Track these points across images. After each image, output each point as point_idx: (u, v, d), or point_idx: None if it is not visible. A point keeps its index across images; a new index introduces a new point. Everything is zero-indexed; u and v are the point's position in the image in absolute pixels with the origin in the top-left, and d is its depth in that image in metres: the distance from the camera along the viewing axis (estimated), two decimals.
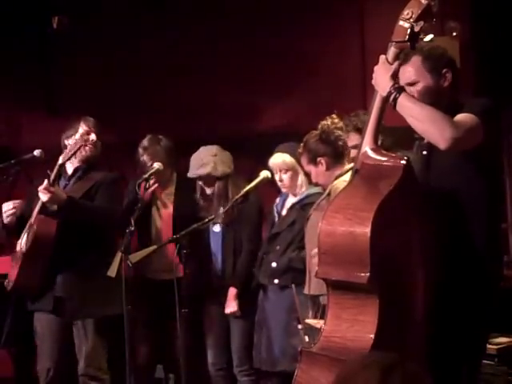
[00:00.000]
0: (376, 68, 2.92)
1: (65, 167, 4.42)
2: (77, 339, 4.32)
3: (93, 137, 4.36)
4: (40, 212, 4.16)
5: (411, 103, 2.82)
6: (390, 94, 2.83)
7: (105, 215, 4.26)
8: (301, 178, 4.34)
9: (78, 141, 4.07)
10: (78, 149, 4.07)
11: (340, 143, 3.91)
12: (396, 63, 2.89)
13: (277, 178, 4.34)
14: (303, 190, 4.34)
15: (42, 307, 4.32)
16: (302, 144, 4.06)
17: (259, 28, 5.87)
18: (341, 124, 3.88)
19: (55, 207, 4.15)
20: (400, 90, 2.83)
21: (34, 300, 4.34)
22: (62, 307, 4.29)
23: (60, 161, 4.08)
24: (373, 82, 2.94)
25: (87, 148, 4.34)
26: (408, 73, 2.97)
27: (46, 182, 4.09)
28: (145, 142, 4.69)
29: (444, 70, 2.97)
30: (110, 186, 4.33)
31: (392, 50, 2.89)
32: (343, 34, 5.75)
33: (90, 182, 4.32)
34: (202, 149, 4.63)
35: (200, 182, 4.63)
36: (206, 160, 4.56)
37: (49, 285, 4.26)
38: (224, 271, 4.58)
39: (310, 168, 4.03)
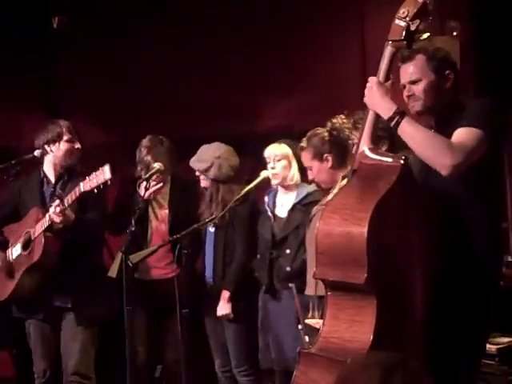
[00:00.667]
0: (371, 91, 2.90)
1: (45, 173, 4.40)
2: (65, 338, 4.32)
3: (78, 145, 4.33)
4: (46, 230, 4.12)
5: (413, 129, 2.83)
6: (392, 117, 2.85)
7: (101, 227, 4.33)
8: (293, 170, 4.34)
9: (106, 175, 3.87)
10: (104, 183, 3.90)
11: (349, 142, 3.88)
12: (389, 84, 2.91)
13: (269, 166, 4.33)
14: (294, 181, 4.34)
15: (33, 316, 4.33)
16: (305, 139, 4.04)
17: (259, 28, 5.86)
18: (349, 124, 3.87)
19: (60, 225, 4.13)
20: (403, 114, 2.85)
21: (25, 308, 4.34)
22: (55, 315, 4.29)
23: (82, 189, 3.97)
24: (366, 101, 2.93)
25: (73, 157, 4.32)
26: (411, 71, 2.98)
27: (57, 204, 4.03)
28: (147, 142, 4.66)
29: (447, 72, 2.97)
30: (99, 195, 4.22)
31: (388, 49, 2.89)
32: (343, 34, 5.74)
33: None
34: (214, 144, 4.62)
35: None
36: (205, 157, 4.55)
37: (41, 294, 4.25)
38: (215, 271, 4.55)
39: (313, 164, 4.01)
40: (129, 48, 5.95)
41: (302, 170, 4.34)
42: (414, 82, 2.98)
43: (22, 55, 5.94)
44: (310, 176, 4.11)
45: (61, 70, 6.15)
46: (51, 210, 4.05)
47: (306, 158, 4.06)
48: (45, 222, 4.11)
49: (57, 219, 4.04)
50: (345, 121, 3.92)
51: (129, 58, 5.98)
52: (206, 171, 4.52)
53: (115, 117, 6.06)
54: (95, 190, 3.94)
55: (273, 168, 4.32)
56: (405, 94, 3.01)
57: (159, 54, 5.95)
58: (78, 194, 4.01)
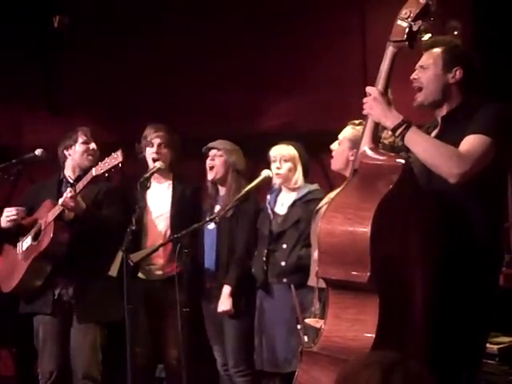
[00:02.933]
0: (375, 102, 2.89)
1: (65, 175, 4.47)
2: (75, 339, 4.33)
3: (93, 146, 4.43)
4: (56, 219, 4.16)
5: (419, 138, 2.86)
6: (398, 127, 2.86)
7: (114, 225, 4.28)
8: (298, 173, 4.36)
9: (118, 158, 3.97)
10: (115, 166, 3.98)
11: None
12: (389, 96, 2.92)
13: (275, 165, 4.34)
14: (298, 184, 4.35)
15: (41, 309, 4.34)
16: (361, 122, 3.95)
17: (259, 28, 5.86)
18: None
19: (72, 215, 4.17)
20: (409, 124, 2.86)
21: (33, 301, 4.36)
22: (64, 311, 4.30)
23: (93, 173, 4.05)
24: (368, 112, 2.92)
25: (89, 158, 4.40)
26: (425, 57, 3.02)
27: (70, 190, 4.11)
28: (158, 124, 4.72)
29: (455, 68, 2.98)
30: (117, 194, 4.38)
31: (390, 50, 2.90)
32: (344, 34, 5.74)
33: (93, 189, 4.34)
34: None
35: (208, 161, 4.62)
36: (229, 144, 4.62)
37: (49, 288, 4.29)
38: (218, 268, 4.55)
39: (344, 143, 3.94)
40: (129, 47, 5.96)
41: (306, 173, 4.37)
42: (423, 68, 3.01)
43: (23, 55, 5.94)
44: (333, 146, 4.00)
45: (61, 69, 6.15)
46: (63, 196, 4.12)
47: (344, 137, 3.96)
48: (56, 211, 4.17)
49: (68, 205, 4.10)
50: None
51: (129, 57, 5.98)
52: (228, 153, 4.56)
53: (115, 116, 6.06)
54: (106, 175, 4.02)
55: (278, 168, 4.33)
56: (412, 76, 3.04)
57: (159, 53, 5.95)
58: (89, 179, 4.08)
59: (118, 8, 5.91)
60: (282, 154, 4.35)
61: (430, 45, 3.02)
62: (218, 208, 4.53)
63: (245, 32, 5.88)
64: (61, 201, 4.14)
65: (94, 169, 4.07)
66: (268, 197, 4.48)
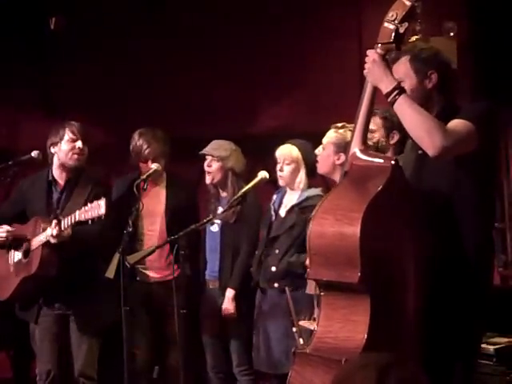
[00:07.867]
0: (374, 64, 2.88)
1: (53, 176, 4.40)
2: (74, 341, 4.34)
3: (79, 144, 4.31)
4: (44, 245, 4.12)
5: (409, 106, 2.83)
6: (390, 92, 2.85)
7: (100, 238, 4.22)
8: (301, 174, 4.34)
9: (101, 209, 3.82)
10: (98, 217, 3.85)
11: None
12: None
13: (278, 167, 4.34)
14: (301, 187, 4.34)
15: (28, 318, 4.37)
16: (344, 125, 3.97)
17: (258, 29, 5.86)
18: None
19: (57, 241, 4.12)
20: (402, 90, 2.85)
21: (23, 310, 4.39)
22: (59, 320, 4.32)
23: (77, 217, 3.95)
24: (367, 74, 2.92)
25: (74, 157, 4.31)
26: (396, 71, 2.98)
27: (55, 225, 4.03)
28: (140, 130, 4.72)
29: (429, 72, 2.97)
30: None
31: (378, 52, 2.90)
32: (341, 35, 5.75)
33: (84, 192, 4.29)
34: (226, 140, 4.68)
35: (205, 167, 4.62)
36: (224, 146, 4.60)
37: (39, 301, 4.30)
38: (221, 271, 4.56)
39: (329, 148, 3.98)
40: (127, 48, 5.95)
41: (310, 174, 4.35)
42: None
43: (20, 56, 5.93)
44: (317, 151, 4.06)
45: (58, 70, 6.14)
46: (48, 230, 4.06)
47: (329, 141, 3.99)
48: (42, 239, 4.12)
49: (53, 240, 4.06)
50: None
51: (127, 58, 5.98)
52: (225, 159, 4.55)
53: (113, 118, 6.05)
54: (89, 222, 3.91)
55: (281, 170, 4.33)
56: None
57: (158, 54, 5.94)
58: (73, 222, 4.00)
59: (115, 9, 5.90)
60: (285, 156, 4.35)
61: (395, 58, 2.99)
62: (220, 210, 4.53)
63: (243, 33, 5.88)
64: (47, 233, 4.06)
65: (78, 212, 3.94)
66: (274, 196, 4.48)
